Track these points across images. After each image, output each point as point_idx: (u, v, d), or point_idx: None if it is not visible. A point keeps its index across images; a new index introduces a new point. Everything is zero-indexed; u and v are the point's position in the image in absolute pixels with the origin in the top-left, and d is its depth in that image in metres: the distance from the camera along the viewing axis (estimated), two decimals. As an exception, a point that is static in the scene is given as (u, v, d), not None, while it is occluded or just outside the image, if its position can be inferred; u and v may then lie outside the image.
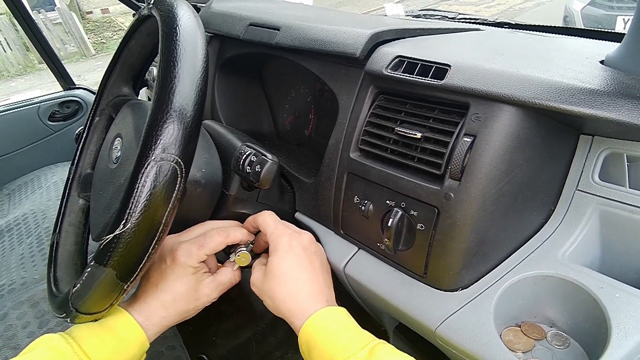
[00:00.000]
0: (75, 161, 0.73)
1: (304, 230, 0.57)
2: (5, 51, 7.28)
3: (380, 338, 0.48)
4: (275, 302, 0.51)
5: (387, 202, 0.52)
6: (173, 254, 0.52)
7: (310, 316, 0.48)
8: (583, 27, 1.07)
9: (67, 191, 0.72)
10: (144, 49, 0.67)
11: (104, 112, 0.73)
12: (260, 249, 0.60)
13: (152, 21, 0.59)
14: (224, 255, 0.63)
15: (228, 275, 0.56)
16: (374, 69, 0.54)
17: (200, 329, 1.35)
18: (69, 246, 0.68)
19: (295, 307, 0.49)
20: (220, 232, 0.54)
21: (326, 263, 0.57)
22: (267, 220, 0.56)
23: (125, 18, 9.46)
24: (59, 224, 0.69)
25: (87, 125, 0.73)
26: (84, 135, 0.74)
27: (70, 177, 0.73)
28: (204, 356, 1.10)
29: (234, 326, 1.35)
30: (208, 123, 0.73)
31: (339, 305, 0.53)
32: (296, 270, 0.51)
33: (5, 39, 7.23)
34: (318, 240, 0.64)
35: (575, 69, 0.45)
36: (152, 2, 0.53)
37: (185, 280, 0.52)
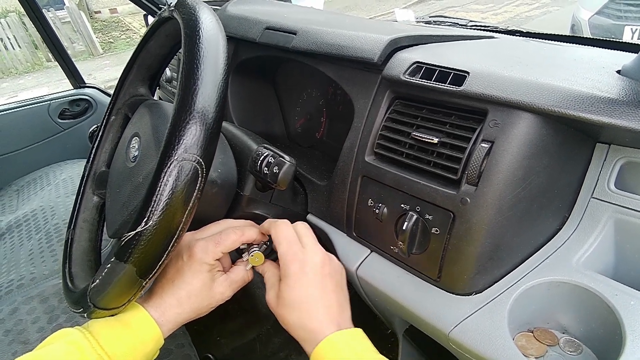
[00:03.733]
0: (91, 159, 0.74)
1: (318, 248, 0.54)
2: (14, 48, 7.34)
3: (388, 341, 0.47)
4: (288, 328, 0.51)
5: (402, 205, 0.53)
6: (190, 251, 0.52)
7: (319, 344, 0.47)
8: (592, 36, 1.07)
9: (81, 188, 0.73)
10: (162, 50, 0.68)
11: (120, 112, 0.74)
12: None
13: (172, 23, 0.59)
14: (236, 255, 0.64)
15: (241, 274, 0.57)
16: (391, 75, 0.54)
17: (205, 329, 1.35)
18: (83, 242, 0.68)
19: (305, 335, 0.49)
20: (236, 231, 0.55)
21: (340, 281, 0.54)
22: (280, 238, 0.54)
23: (133, 18, 9.52)
24: (74, 220, 0.70)
25: (103, 123, 0.74)
26: (100, 133, 0.75)
27: (85, 175, 0.73)
28: (210, 355, 1.11)
29: (239, 326, 1.35)
30: (222, 124, 0.74)
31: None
32: (306, 300, 0.50)
33: (14, 37, 7.29)
34: (330, 242, 0.65)
35: (593, 78, 0.45)
36: (172, 4, 0.54)
37: (201, 277, 0.52)
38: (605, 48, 0.71)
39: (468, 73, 0.47)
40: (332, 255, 0.56)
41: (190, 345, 0.80)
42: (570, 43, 0.78)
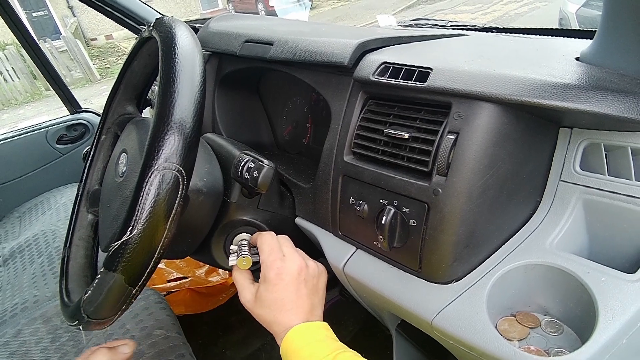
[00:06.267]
0: (84, 178, 0.77)
1: (296, 257, 0.58)
2: (13, 80, 7.47)
3: (391, 341, 0.49)
4: (263, 323, 0.56)
5: (381, 201, 0.54)
6: None
7: (287, 333, 0.52)
8: (570, 28, 1.09)
9: (76, 207, 0.75)
10: (146, 68, 0.71)
11: (110, 131, 0.77)
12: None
13: (153, 42, 0.62)
14: (225, 259, 0.66)
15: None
16: (362, 76, 0.56)
17: (209, 342, 1.36)
18: (79, 259, 0.70)
19: (278, 328, 0.53)
20: None
21: (316, 285, 0.59)
22: (263, 246, 0.58)
23: (128, 43, 9.68)
24: (70, 238, 0.72)
25: (94, 143, 0.77)
26: (91, 153, 0.77)
27: (79, 194, 0.76)
28: (213, 366, 1.11)
29: (243, 337, 1.36)
30: (208, 136, 0.76)
31: (347, 315, 0.54)
32: (281, 301, 0.54)
33: (13, 68, 7.43)
34: (317, 243, 0.66)
35: (550, 65, 0.47)
36: (152, 24, 0.57)
37: None
38: (575, 37, 0.73)
39: (431, 69, 0.50)
40: (311, 262, 0.59)
41: (190, 355, 0.81)
42: (542, 35, 0.80)
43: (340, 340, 0.52)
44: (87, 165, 0.77)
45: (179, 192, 0.44)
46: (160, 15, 1.45)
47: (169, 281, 1.41)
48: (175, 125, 0.44)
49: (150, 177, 0.43)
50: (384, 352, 1.25)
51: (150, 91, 0.84)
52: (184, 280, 1.40)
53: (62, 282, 0.66)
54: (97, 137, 0.77)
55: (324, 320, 0.56)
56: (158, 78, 0.48)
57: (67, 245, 0.72)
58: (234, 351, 1.34)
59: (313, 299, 0.57)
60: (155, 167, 0.43)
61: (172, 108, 0.44)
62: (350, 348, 0.50)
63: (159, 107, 0.45)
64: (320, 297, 0.59)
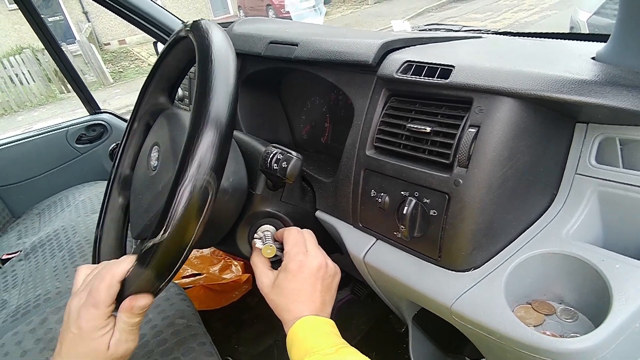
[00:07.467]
0: (116, 163, 0.80)
1: (318, 254, 0.60)
2: (28, 83, 7.63)
3: (404, 340, 0.50)
4: (275, 309, 0.59)
5: (402, 192, 0.57)
6: (78, 322, 0.49)
7: (295, 322, 0.54)
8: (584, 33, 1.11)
9: (108, 190, 0.78)
10: (180, 62, 0.74)
11: (142, 119, 0.80)
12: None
13: (188, 41, 0.65)
14: (249, 249, 0.68)
15: (129, 320, 0.51)
16: (385, 74, 0.59)
17: (223, 338, 1.39)
18: (110, 241, 0.74)
19: (287, 316, 0.56)
20: (104, 276, 0.50)
21: (330, 283, 0.61)
22: (289, 238, 0.61)
23: (141, 48, 9.84)
24: (102, 220, 0.76)
25: (127, 130, 0.80)
26: (124, 139, 0.80)
27: (112, 178, 0.79)
28: (229, 358, 1.14)
29: (255, 334, 1.38)
30: (234, 133, 0.79)
31: (359, 314, 0.55)
32: (297, 292, 0.57)
33: (29, 72, 7.59)
34: (337, 236, 0.69)
35: (567, 64, 0.50)
36: (189, 26, 0.60)
37: (94, 346, 0.49)
38: (588, 41, 0.76)
39: (453, 67, 0.52)
40: (330, 262, 0.62)
41: (211, 344, 0.83)
42: (556, 39, 0.83)
43: (352, 338, 0.54)
44: (120, 151, 0.80)
45: (208, 202, 0.46)
46: (180, 20, 1.50)
47: (183, 277, 1.44)
48: (212, 121, 0.46)
49: (183, 184, 0.44)
50: (395, 350, 1.26)
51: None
52: (198, 277, 1.43)
53: (95, 261, 0.70)
54: (129, 124, 0.80)
55: (336, 318, 0.58)
56: (195, 75, 0.51)
57: (100, 226, 0.75)
58: (246, 347, 1.36)
59: (325, 296, 0.59)
60: (187, 178, 0.44)
61: (210, 102, 0.47)
62: (362, 346, 0.52)
63: (195, 105, 0.47)
64: (331, 296, 0.61)
